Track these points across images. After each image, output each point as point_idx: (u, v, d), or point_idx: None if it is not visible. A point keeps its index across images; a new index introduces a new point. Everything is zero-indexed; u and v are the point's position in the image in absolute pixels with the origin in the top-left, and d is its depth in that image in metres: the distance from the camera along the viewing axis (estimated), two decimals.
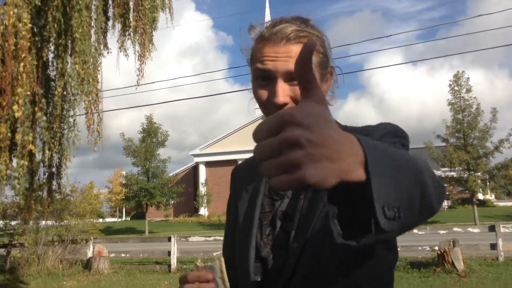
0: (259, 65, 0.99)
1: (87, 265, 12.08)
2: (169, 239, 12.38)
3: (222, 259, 0.99)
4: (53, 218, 13.20)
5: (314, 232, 0.94)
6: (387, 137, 0.93)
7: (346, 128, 1.06)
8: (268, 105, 1.00)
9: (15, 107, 4.66)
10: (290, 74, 0.95)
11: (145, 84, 7.83)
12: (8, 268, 12.23)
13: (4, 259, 12.58)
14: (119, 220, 47.57)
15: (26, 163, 5.29)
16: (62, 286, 10.28)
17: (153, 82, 32.07)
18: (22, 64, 4.72)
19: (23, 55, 4.75)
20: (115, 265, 12.33)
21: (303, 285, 0.94)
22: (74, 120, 7.14)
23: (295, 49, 0.95)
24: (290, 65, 0.94)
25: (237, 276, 1.05)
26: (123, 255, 13.47)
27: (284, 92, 0.96)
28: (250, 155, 1.02)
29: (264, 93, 1.00)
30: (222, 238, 1.27)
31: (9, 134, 5.27)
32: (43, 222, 13.00)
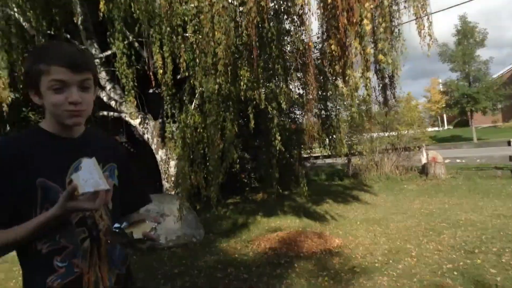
0: None
1: (423, 170, 12.51)
2: (509, 143, 11.40)
3: None
4: (383, 129, 14.06)
5: None
6: None
7: None
8: None
9: (365, 21, 5.04)
10: None
11: None
12: (351, 173, 14.05)
13: (347, 166, 14.47)
14: (441, 129, 46.53)
15: (370, 75, 5.71)
16: (403, 188, 11.05)
17: None
18: None
19: None
20: (451, 170, 12.31)
21: None
22: (398, 30, 7.20)
23: None
24: None
25: None
26: (458, 160, 13.28)
27: None
28: None
29: None
30: None
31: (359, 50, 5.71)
32: (375, 133, 14.03)
